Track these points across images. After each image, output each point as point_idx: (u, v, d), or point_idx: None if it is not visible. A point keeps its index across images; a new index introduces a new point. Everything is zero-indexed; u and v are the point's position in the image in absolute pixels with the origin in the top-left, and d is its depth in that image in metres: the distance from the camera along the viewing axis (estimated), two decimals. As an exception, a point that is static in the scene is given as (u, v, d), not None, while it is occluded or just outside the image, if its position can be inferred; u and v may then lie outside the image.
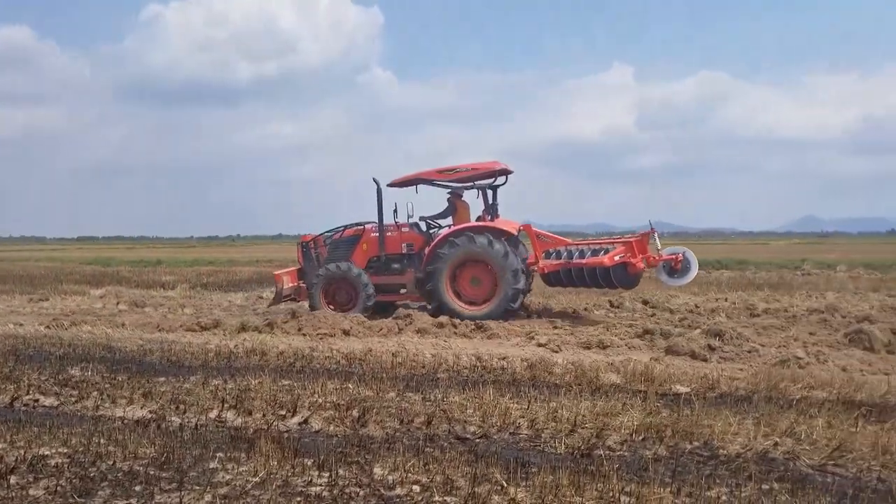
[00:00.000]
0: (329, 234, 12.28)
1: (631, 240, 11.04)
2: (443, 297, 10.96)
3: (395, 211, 11.64)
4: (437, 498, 3.72)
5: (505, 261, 10.78)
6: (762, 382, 6.44)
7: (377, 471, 4.12)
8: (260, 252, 50.01)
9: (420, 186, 11.82)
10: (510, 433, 4.96)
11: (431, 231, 11.92)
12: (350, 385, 6.28)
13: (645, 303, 12.87)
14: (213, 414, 5.44)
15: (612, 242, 11.37)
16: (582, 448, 4.57)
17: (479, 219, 11.73)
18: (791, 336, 9.04)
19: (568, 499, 3.69)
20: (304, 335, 9.48)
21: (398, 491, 3.81)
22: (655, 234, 11.06)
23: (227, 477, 4.02)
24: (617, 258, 10.90)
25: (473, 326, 9.77)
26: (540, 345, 8.69)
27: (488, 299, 10.98)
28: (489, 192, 11.87)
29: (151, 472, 4.08)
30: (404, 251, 11.83)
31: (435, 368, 7.20)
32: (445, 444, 4.69)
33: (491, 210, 11.84)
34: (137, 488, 3.86)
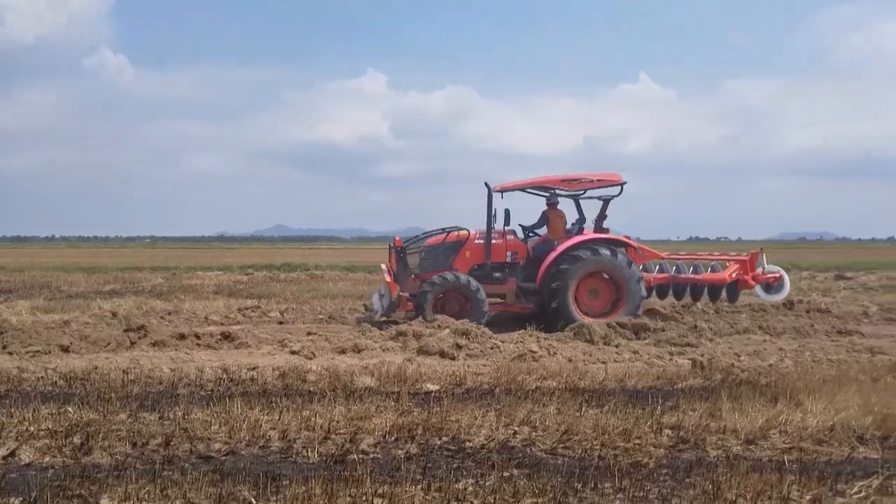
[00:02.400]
0: (419, 239, 11.62)
1: (745, 259, 12.10)
2: (571, 314, 10.50)
3: (507, 216, 11.03)
4: (174, 526, 3.37)
5: (629, 270, 10.75)
6: (503, 376, 6.91)
7: (104, 502, 3.63)
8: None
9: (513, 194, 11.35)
10: (260, 447, 4.69)
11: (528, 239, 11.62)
12: (70, 409, 5.48)
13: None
14: None
15: (721, 259, 12.54)
16: (336, 454, 4.48)
17: (578, 231, 11.50)
18: (527, 332, 9.83)
19: (320, 509, 3.56)
20: (9, 353, 8.10)
21: (128, 524, 3.38)
22: (763, 255, 12.08)
23: None
24: (734, 275, 11.81)
25: (219, 336, 9.18)
26: (293, 352, 8.43)
27: (609, 310, 10.79)
28: (601, 204, 11.55)
29: None
30: (508, 260, 11.23)
31: (174, 384, 6.59)
32: (187, 465, 4.28)
33: (601, 221, 11.55)
34: None
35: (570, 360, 8.12)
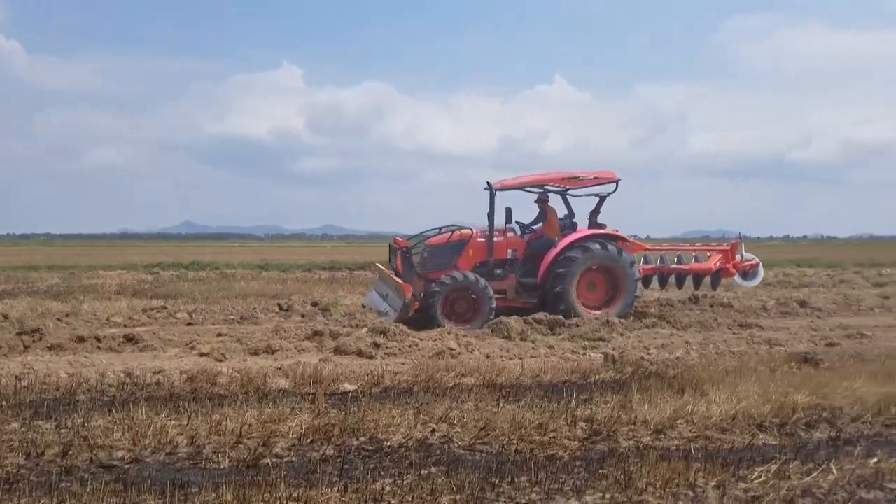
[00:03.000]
0: (419, 238, 11.64)
1: (726, 248, 13.03)
2: (572, 301, 10.95)
3: (508, 214, 11.30)
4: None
5: (630, 269, 11.29)
6: (421, 374, 6.88)
7: (-7, 520, 3.37)
8: None
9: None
10: (166, 454, 4.48)
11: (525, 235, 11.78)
12: (-47, 420, 5.07)
13: (314, 304, 12.94)
14: None
15: (704, 249, 13.52)
16: (248, 459, 4.33)
17: (570, 226, 11.88)
18: (446, 330, 9.84)
19: (231, 516, 3.43)
20: None
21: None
22: (741, 245, 12.94)
23: None
24: (718, 264, 12.67)
25: (122, 339, 8.72)
26: (202, 354, 8.11)
27: (605, 304, 11.31)
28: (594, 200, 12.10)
29: None
30: (509, 256, 11.44)
31: (73, 390, 6.19)
32: (86, 475, 4.03)
33: (595, 216, 12.04)
34: None
35: (487, 357, 8.19)
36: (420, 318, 10.48)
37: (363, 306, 12.44)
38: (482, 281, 10.71)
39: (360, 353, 8.22)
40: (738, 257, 12.96)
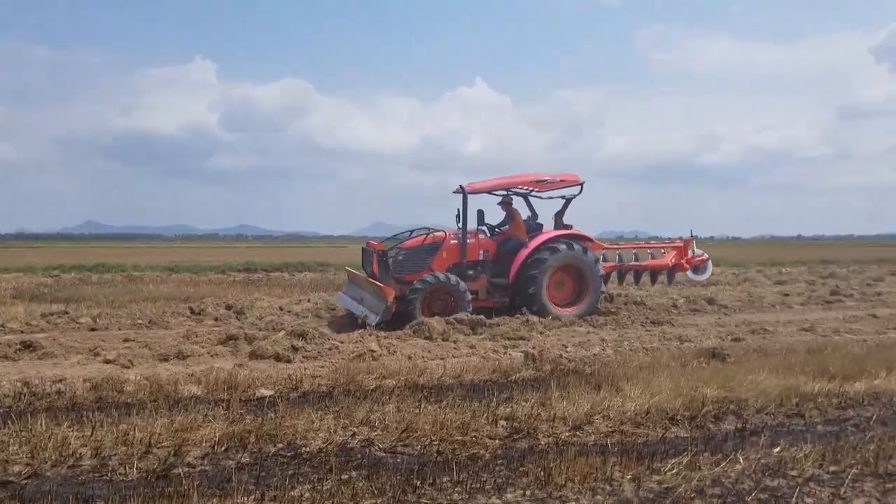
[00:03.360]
0: (393, 241, 11.98)
1: (680, 245, 13.74)
2: (543, 300, 11.42)
3: (480, 216, 11.85)
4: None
5: (595, 267, 11.91)
6: (342, 377, 6.76)
7: None
8: None
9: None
10: (69, 467, 4.22)
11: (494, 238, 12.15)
12: None
13: (229, 308, 12.55)
14: None
15: (658, 247, 14.34)
16: (158, 469, 4.13)
17: (535, 227, 12.39)
18: (366, 331, 9.75)
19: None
20: None
21: None
22: (693, 242, 13.80)
23: None
24: (673, 260, 13.53)
25: (19, 346, 8.17)
26: (107, 361, 7.69)
27: (573, 302, 11.86)
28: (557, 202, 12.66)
29: None
30: (481, 257, 11.81)
31: (-37, 402, 5.77)
32: (-23, 493, 3.74)
33: (561, 217, 12.55)
34: None
35: (409, 358, 8.14)
36: (344, 321, 10.31)
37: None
38: (461, 283, 11.12)
39: (277, 357, 8.01)
40: (689, 253, 13.79)
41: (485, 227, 12.25)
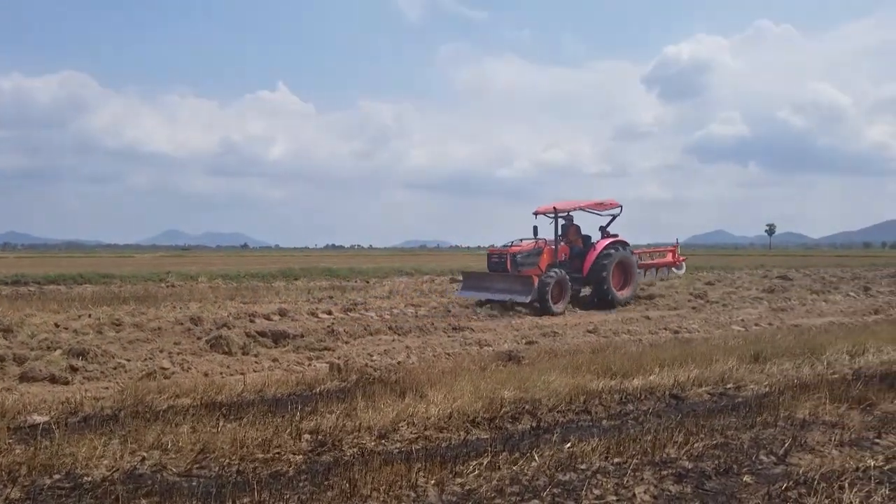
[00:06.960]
0: (506, 248, 16.30)
1: (672, 249, 19.79)
2: (611, 286, 16.35)
3: (535, 231, 16.42)
4: None
5: (636, 263, 17.41)
6: (129, 398, 6.20)
7: None
8: None
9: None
10: None
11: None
12: None
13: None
14: None
15: (660, 251, 20.08)
16: None
17: (565, 239, 17.10)
18: (157, 348, 9.06)
19: None
20: None
21: None
22: (679, 246, 20.04)
23: None
24: (673, 258, 19.49)
25: None
26: None
27: (622, 287, 16.88)
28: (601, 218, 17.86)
29: None
30: (564, 259, 16.48)
31: None
32: None
33: (605, 229, 17.58)
34: None
35: (206, 375, 7.69)
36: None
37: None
38: (567, 276, 15.53)
39: (53, 379, 7.18)
40: (678, 254, 19.81)
41: (543, 238, 16.54)
